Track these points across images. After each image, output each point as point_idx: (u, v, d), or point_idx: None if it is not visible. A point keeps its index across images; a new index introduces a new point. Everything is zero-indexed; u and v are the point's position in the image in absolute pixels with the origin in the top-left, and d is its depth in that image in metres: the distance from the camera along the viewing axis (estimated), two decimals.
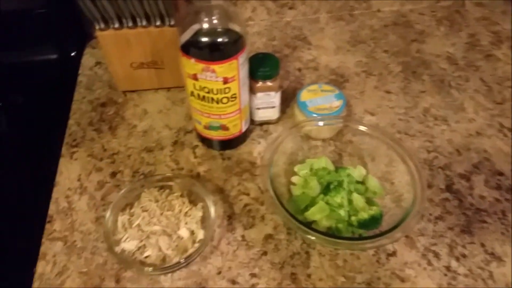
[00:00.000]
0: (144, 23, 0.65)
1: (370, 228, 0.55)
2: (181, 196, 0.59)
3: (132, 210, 0.57)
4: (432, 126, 0.69)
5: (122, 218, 0.56)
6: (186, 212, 0.57)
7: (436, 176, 0.63)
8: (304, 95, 0.66)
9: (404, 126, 0.69)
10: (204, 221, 0.56)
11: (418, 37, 0.86)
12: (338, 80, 0.77)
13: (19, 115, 0.73)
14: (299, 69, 0.80)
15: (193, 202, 0.58)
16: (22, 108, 0.75)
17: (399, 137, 0.68)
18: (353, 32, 0.87)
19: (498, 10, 0.91)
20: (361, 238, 0.54)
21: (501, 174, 0.63)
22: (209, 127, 0.62)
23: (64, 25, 0.81)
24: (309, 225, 0.55)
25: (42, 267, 0.54)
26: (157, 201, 0.58)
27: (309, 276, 0.53)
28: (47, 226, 0.59)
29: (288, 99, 0.73)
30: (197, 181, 0.59)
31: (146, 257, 0.53)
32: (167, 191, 0.59)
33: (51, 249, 0.56)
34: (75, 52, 0.82)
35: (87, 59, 0.82)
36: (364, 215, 0.54)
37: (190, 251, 0.53)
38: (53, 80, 0.80)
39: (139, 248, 0.54)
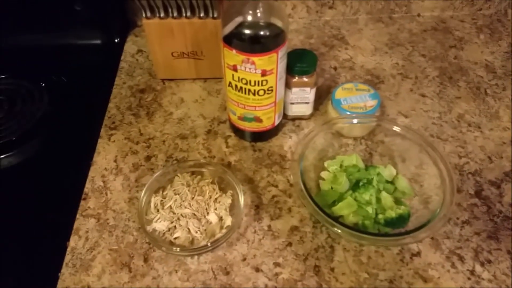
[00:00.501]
0: (189, 13, 0.67)
1: (397, 227, 0.55)
2: (212, 183, 0.61)
3: (165, 193, 0.59)
4: (465, 132, 0.69)
5: (155, 200, 0.58)
6: (216, 199, 0.59)
7: (466, 182, 0.63)
8: (339, 93, 0.67)
9: (437, 130, 0.69)
10: (233, 208, 0.58)
11: (457, 43, 0.85)
12: (374, 81, 0.78)
13: (61, 96, 0.76)
14: (335, 68, 0.80)
15: (223, 190, 0.60)
16: (65, 89, 0.78)
17: (432, 141, 0.67)
18: (391, 34, 0.87)
19: None
20: (385, 234, 0.54)
21: None
22: (243, 118, 0.64)
23: (110, 13, 0.84)
24: (336, 219, 0.56)
25: (74, 242, 0.57)
26: (188, 185, 0.60)
27: (332, 269, 0.54)
28: (82, 203, 0.61)
29: (322, 96, 0.74)
30: (228, 170, 0.61)
31: (176, 238, 0.55)
32: (199, 177, 0.61)
33: (84, 225, 0.59)
34: (119, 39, 0.85)
35: (130, 47, 0.85)
36: (391, 213, 0.55)
37: (218, 235, 0.55)
38: (96, 64, 0.84)
39: (169, 229, 0.56)
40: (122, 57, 0.83)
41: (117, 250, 0.56)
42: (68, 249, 0.57)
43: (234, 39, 0.54)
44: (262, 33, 0.54)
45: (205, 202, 0.58)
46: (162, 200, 0.59)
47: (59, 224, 0.60)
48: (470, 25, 0.89)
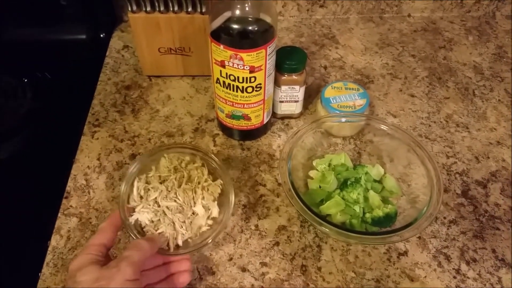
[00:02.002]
0: (176, 8, 0.66)
1: (384, 226, 0.55)
2: (202, 166, 0.57)
3: (150, 175, 0.55)
4: (453, 132, 0.69)
5: (138, 184, 0.54)
6: (204, 186, 0.55)
7: (453, 181, 0.62)
8: (329, 92, 0.67)
9: (425, 130, 0.69)
10: (221, 201, 0.55)
11: (446, 44, 0.85)
12: (363, 81, 0.77)
13: (45, 92, 0.74)
14: (325, 67, 0.80)
15: (212, 176, 0.56)
16: (48, 85, 0.76)
17: (420, 141, 0.67)
18: (382, 34, 0.87)
19: None
20: (372, 233, 0.54)
21: None
22: (231, 116, 0.63)
23: (95, 7, 0.82)
24: (324, 218, 0.55)
25: (56, 241, 0.56)
26: (176, 170, 0.56)
27: (319, 269, 0.53)
28: (64, 201, 0.60)
29: (312, 95, 0.74)
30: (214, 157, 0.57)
31: (160, 233, 0.53)
32: (187, 159, 0.57)
33: (66, 224, 0.57)
34: (104, 34, 0.84)
35: (115, 42, 0.83)
36: (379, 212, 0.54)
37: (203, 229, 0.52)
38: (81, 60, 0.82)
39: (152, 221, 0.52)
40: (107, 53, 0.81)
41: None
42: (49, 248, 0.55)
43: (221, 34, 0.53)
44: (250, 28, 0.53)
45: (192, 190, 0.54)
46: (146, 186, 0.54)
47: (40, 223, 0.59)
48: (459, 26, 0.90)
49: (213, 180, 0.57)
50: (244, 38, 0.53)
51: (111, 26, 0.86)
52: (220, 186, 0.56)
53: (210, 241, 0.51)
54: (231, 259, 0.54)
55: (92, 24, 0.83)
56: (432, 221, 0.53)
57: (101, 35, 0.84)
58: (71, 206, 0.59)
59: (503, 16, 0.92)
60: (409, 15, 0.91)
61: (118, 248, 0.55)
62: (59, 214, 0.58)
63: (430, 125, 0.70)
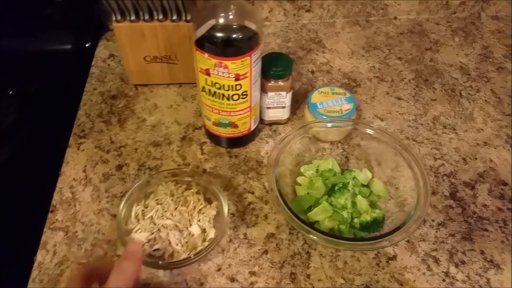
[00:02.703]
0: (161, 17, 0.66)
1: (372, 230, 0.55)
2: (197, 193, 0.58)
3: (147, 202, 0.57)
4: (441, 134, 0.69)
5: (136, 209, 0.56)
6: (200, 210, 0.57)
7: (441, 183, 0.62)
8: (315, 97, 0.66)
9: (412, 132, 0.69)
10: (217, 220, 0.56)
11: (433, 46, 0.85)
12: (350, 84, 0.77)
13: (29, 103, 0.74)
14: (312, 72, 0.80)
15: (208, 200, 0.58)
16: (34, 97, 0.75)
17: (407, 143, 0.67)
18: (368, 38, 0.87)
19: None
20: (360, 239, 0.54)
21: (505, 184, 0.63)
22: (218, 124, 0.63)
23: (80, 16, 0.82)
24: (312, 225, 0.55)
25: (42, 256, 0.55)
26: (172, 195, 0.57)
27: (308, 276, 0.53)
28: (50, 215, 0.59)
29: (299, 100, 0.73)
30: (209, 176, 0.59)
31: (155, 250, 0.53)
32: (184, 186, 0.59)
33: (52, 239, 0.56)
34: (90, 43, 0.83)
35: (101, 51, 0.83)
36: (366, 217, 0.54)
37: (199, 248, 0.53)
38: (66, 70, 0.81)
39: (149, 240, 0.54)
40: (93, 62, 0.80)
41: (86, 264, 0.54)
42: (35, 264, 0.54)
43: (206, 43, 0.53)
44: (234, 36, 0.53)
45: (188, 213, 0.56)
46: (143, 210, 0.56)
47: (25, 238, 0.58)
48: (445, 28, 0.90)
49: (209, 202, 0.58)
50: (228, 46, 0.53)
51: (97, 35, 0.85)
52: (216, 209, 0.57)
53: (203, 254, 0.52)
54: (219, 269, 0.54)
55: (77, 33, 0.82)
56: (420, 224, 0.54)
57: (87, 45, 0.83)
58: (57, 220, 0.58)
59: (489, 17, 0.93)
60: (395, 18, 0.91)
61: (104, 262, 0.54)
62: (45, 229, 0.57)
63: (417, 128, 0.70)
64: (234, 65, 0.54)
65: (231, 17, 0.52)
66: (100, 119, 0.71)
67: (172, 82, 0.76)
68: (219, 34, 0.52)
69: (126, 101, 0.73)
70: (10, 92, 0.75)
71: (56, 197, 0.61)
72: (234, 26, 0.53)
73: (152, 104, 0.73)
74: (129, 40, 0.68)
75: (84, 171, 0.64)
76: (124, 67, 0.75)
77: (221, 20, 0.52)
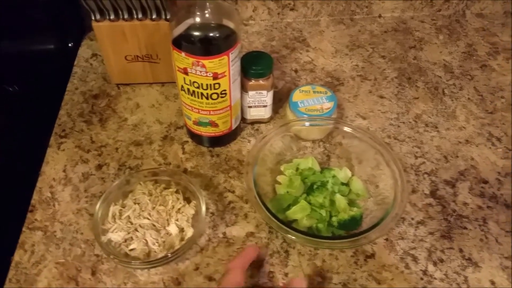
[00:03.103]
0: (140, 15, 0.65)
1: (350, 229, 0.55)
2: (176, 192, 0.59)
3: (125, 202, 0.57)
4: (422, 132, 0.69)
5: (114, 209, 0.56)
6: (179, 209, 0.57)
7: (422, 182, 0.63)
8: (297, 96, 0.66)
9: (394, 131, 0.69)
10: (196, 220, 0.56)
11: (417, 44, 0.85)
12: (334, 83, 0.77)
13: (12, 104, 0.73)
14: (296, 70, 0.79)
15: (187, 200, 0.58)
16: (16, 96, 0.75)
17: (389, 142, 0.67)
18: (352, 36, 0.87)
19: (497, 22, 0.91)
20: (337, 237, 0.54)
21: (485, 182, 0.63)
22: (198, 123, 0.62)
23: (64, 16, 0.81)
24: (290, 224, 0.55)
25: (19, 256, 0.54)
26: (150, 194, 0.57)
27: (286, 275, 0.53)
28: (29, 215, 0.59)
29: (282, 99, 0.73)
30: (187, 176, 0.59)
31: (131, 250, 0.53)
32: (163, 185, 0.59)
33: (30, 238, 0.56)
34: (72, 43, 0.83)
35: (84, 51, 0.82)
36: (344, 215, 0.54)
37: (177, 247, 0.53)
38: (49, 70, 0.81)
39: (125, 240, 0.54)
40: (75, 62, 0.80)
41: (64, 264, 0.54)
42: (12, 264, 0.54)
43: (182, 42, 0.53)
44: (211, 35, 0.53)
45: (166, 212, 0.56)
46: (121, 210, 0.56)
47: (3, 238, 0.58)
48: (430, 25, 0.90)
49: (189, 201, 0.58)
50: (204, 45, 0.53)
51: (80, 35, 0.85)
52: (195, 208, 0.57)
53: (180, 254, 0.52)
54: (197, 268, 0.53)
55: (60, 33, 0.82)
56: (397, 221, 0.54)
57: (70, 44, 0.83)
58: (36, 219, 0.58)
59: (473, 14, 0.93)
60: (379, 16, 0.91)
61: (82, 261, 0.54)
62: (24, 228, 0.57)
63: (399, 126, 0.70)
64: (211, 64, 0.54)
65: (207, 16, 0.52)
66: (81, 118, 0.70)
67: (155, 81, 0.75)
68: (195, 33, 0.52)
69: (108, 100, 0.73)
70: None
71: (35, 196, 0.61)
72: (211, 25, 0.53)
73: (134, 103, 0.73)
74: (110, 39, 0.67)
75: (64, 170, 0.63)
76: (105, 66, 0.75)
77: (198, 19, 0.52)
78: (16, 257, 0.54)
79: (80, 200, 0.60)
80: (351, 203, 0.58)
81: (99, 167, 0.64)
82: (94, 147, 0.66)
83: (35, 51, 0.81)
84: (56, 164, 0.64)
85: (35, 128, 0.71)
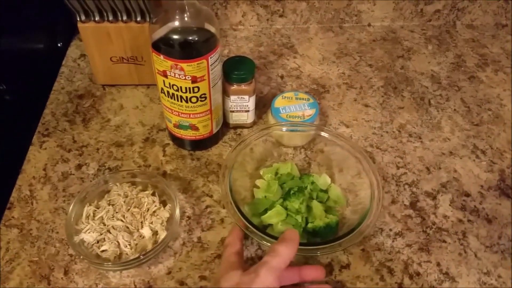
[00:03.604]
0: (125, 18, 0.65)
1: (325, 236, 0.54)
2: (152, 194, 0.58)
3: (99, 202, 0.57)
4: (405, 143, 0.69)
5: (88, 209, 0.56)
6: (154, 212, 0.57)
7: (402, 192, 0.62)
8: (279, 102, 0.66)
9: (377, 140, 0.69)
10: (172, 223, 0.56)
11: (405, 53, 0.85)
12: (319, 90, 0.77)
13: None
14: (282, 76, 0.79)
15: (163, 203, 0.58)
16: (1, 95, 0.75)
17: (371, 151, 0.67)
18: (340, 44, 0.87)
19: (488, 33, 0.91)
20: (308, 243, 0.53)
21: (467, 195, 0.62)
22: (178, 126, 0.62)
23: (54, 16, 0.81)
24: (265, 229, 0.54)
25: None
26: (126, 196, 0.57)
27: None
28: (6, 212, 0.58)
29: (266, 105, 0.73)
30: (165, 180, 0.59)
31: (103, 251, 0.53)
32: (139, 188, 0.59)
33: (6, 236, 0.56)
34: (62, 43, 0.83)
35: (73, 51, 0.82)
36: (319, 222, 0.54)
37: (148, 248, 0.53)
38: (38, 69, 0.81)
39: (98, 241, 0.54)
40: (63, 62, 0.80)
41: (38, 262, 0.54)
42: None
43: (160, 44, 0.53)
44: (190, 38, 0.53)
45: (141, 214, 0.56)
46: (95, 210, 0.56)
47: None
48: (420, 35, 0.90)
49: (164, 204, 0.58)
50: (182, 49, 0.53)
51: (70, 35, 0.85)
52: (170, 211, 0.57)
53: (151, 256, 0.52)
54: (169, 272, 0.53)
55: (50, 33, 0.82)
56: (374, 231, 0.53)
57: (59, 44, 0.83)
58: (13, 217, 0.58)
59: (464, 25, 0.93)
60: (369, 25, 0.91)
61: (56, 260, 0.54)
62: (0, 226, 0.57)
63: (382, 135, 0.70)
64: (190, 67, 0.53)
65: (186, 19, 0.52)
66: (65, 118, 0.70)
67: (140, 83, 0.75)
68: (173, 36, 0.52)
69: (92, 101, 0.73)
70: None
71: (14, 194, 0.61)
72: (188, 29, 0.53)
73: (118, 104, 0.73)
74: (95, 40, 0.68)
75: (44, 169, 0.63)
76: (91, 67, 0.75)
77: (176, 23, 0.52)
78: None
79: (57, 199, 0.60)
80: (329, 210, 0.57)
81: (79, 167, 0.64)
82: (76, 146, 0.66)
83: (24, 50, 0.81)
84: (37, 162, 0.64)
85: (21, 127, 0.71)
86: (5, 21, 0.80)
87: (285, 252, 0.43)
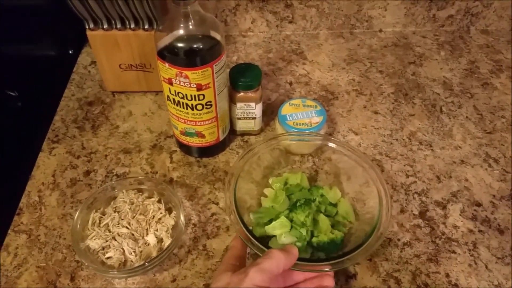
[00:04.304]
0: (133, 25, 0.66)
1: (329, 252, 0.52)
2: (158, 202, 0.59)
3: (105, 209, 0.57)
4: (416, 151, 0.67)
5: (94, 216, 0.56)
6: (160, 219, 0.57)
7: (411, 202, 0.61)
8: (286, 109, 0.66)
9: (386, 148, 0.68)
10: (175, 228, 0.56)
11: (417, 59, 0.84)
12: (328, 97, 0.76)
13: (9, 109, 0.74)
14: (290, 83, 0.79)
15: (169, 210, 0.58)
16: (14, 102, 0.76)
17: (380, 159, 0.66)
18: (351, 50, 0.86)
19: (503, 39, 0.89)
20: (312, 259, 0.52)
21: (479, 205, 0.61)
22: (185, 133, 0.62)
23: (65, 23, 0.82)
24: (268, 239, 0.54)
25: (2, 258, 0.55)
26: (132, 203, 0.58)
27: None
28: (15, 218, 0.59)
29: (274, 112, 0.73)
30: (170, 186, 0.59)
31: (108, 258, 0.53)
32: (145, 195, 0.59)
33: (15, 241, 0.57)
34: (73, 50, 0.84)
35: (83, 58, 0.84)
36: (324, 237, 0.53)
37: (153, 256, 0.53)
38: (48, 76, 0.82)
39: (103, 248, 0.54)
40: (74, 69, 0.81)
41: (45, 268, 0.54)
42: None
43: (165, 52, 0.53)
44: (194, 46, 0.53)
45: (146, 221, 0.56)
46: (100, 217, 0.57)
47: None
48: (432, 41, 0.88)
49: (170, 211, 0.58)
50: (186, 57, 0.53)
51: (80, 42, 0.86)
52: (175, 218, 0.57)
53: (156, 263, 0.51)
54: (174, 280, 0.53)
55: (61, 40, 0.83)
56: (381, 242, 0.52)
57: (70, 51, 0.84)
58: (21, 222, 0.59)
59: (478, 31, 0.91)
60: (380, 30, 0.90)
61: (63, 266, 0.54)
62: (9, 231, 0.58)
63: (391, 143, 0.68)
64: (194, 75, 0.53)
65: (191, 27, 0.52)
66: (74, 124, 0.71)
67: (149, 90, 0.76)
68: (178, 44, 0.53)
69: (102, 107, 0.74)
70: None
71: (23, 200, 0.61)
72: (193, 37, 0.53)
73: (127, 111, 0.73)
74: (104, 48, 0.68)
75: (53, 175, 0.64)
76: (100, 74, 0.76)
77: (181, 31, 0.52)
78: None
79: (65, 206, 0.60)
80: (336, 225, 0.56)
81: (87, 173, 0.64)
82: (84, 153, 0.67)
83: (36, 57, 0.83)
84: (46, 168, 0.65)
85: (31, 133, 0.72)
86: (17, 28, 0.81)
87: (279, 256, 0.43)
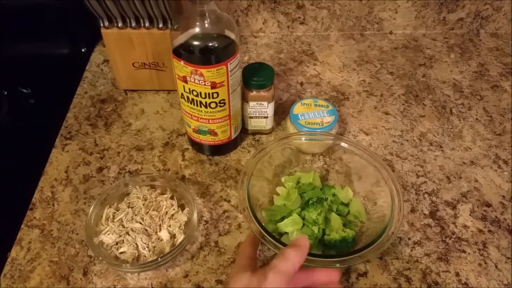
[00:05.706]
0: (148, 24, 0.67)
1: (340, 250, 0.53)
2: (171, 198, 0.59)
3: (119, 205, 0.58)
4: (426, 151, 0.68)
5: (108, 211, 0.57)
6: (172, 215, 0.57)
7: (421, 201, 0.61)
8: (298, 108, 0.66)
9: (397, 148, 0.68)
10: (189, 227, 0.56)
11: (427, 62, 0.84)
12: (339, 97, 0.77)
13: (22, 105, 0.75)
14: (301, 83, 0.80)
15: (181, 206, 0.59)
16: (27, 99, 0.77)
17: (390, 159, 0.66)
18: (361, 51, 0.87)
19: None
20: (325, 255, 0.52)
21: (488, 205, 0.61)
22: (197, 131, 0.63)
23: (78, 22, 0.83)
24: (280, 236, 0.54)
25: (16, 252, 0.56)
26: (145, 199, 0.58)
27: None
28: (28, 213, 0.60)
29: (286, 111, 0.73)
30: (184, 184, 0.59)
31: (121, 253, 0.54)
32: (158, 191, 0.60)
33: (28, 236, 0.57)
34: (86, 48, 0.85)
35: (96, 56, 0.84)
36: (335, 236, 0.53)
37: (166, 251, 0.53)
38: (61, 74, 0.83)
39: (116, 243, 0.55)
40: (87, 67, 0.82)
41: (58, 262, 0.55)
42: (8, 259, 0.55)
43: (181, 50, 0.54)
44: (210, 44, 0.54)
45: (159, 217, 0.57)
46: (114, 212, 0.57)
47: (2, 234, 0.59)
48: (442, 43, 0.89)
49: (183, 208, 0.58)
50: (202, 55, 0.54)
51: (93, 40, 0.87)
52: (188, 215, 0.57)
53: (169, 258, 0.52)
54: (186, 275, 0.53)
55: (74, 38, 0.84)
56: (392, 241, 0.52)
57: (83, 50, 0.85)
58: (34, 217, 0.59)
59: (488, 34, 0.91)
60: (390, 32, 0.91)
61: (75, 261, 0.55)
62: (22, 226, 0.59)
63: (402, 143, 0.69)
64: (209, 73, 0.54)
65: (206, 26, 0.53)
66: (87, 122, 0.72)
67: (161, 89, 0.77)
68: (194, 42, 0.53)
69: (114, 105, 0.75)
70: (5, 93, 0.77)
71: (36, 195, 0.62)
72: (209, 35, 0.54)
73: (140, 109, 0.74)
74: (118, 46, 0.69)
75: (66, 171, 0.65)
76: (113, 72, 0.76)
77: (197, 29, 0.53)
78: (13, 253, 0.56)
79: (78, 201, 0.61)
80: (348, 224, 0.57)
81: (100, 170, 0.65)
82: (97, 150, 0.67)
83: (49, 54, 0.84)
84: (59, 164, 0.66)
85: (44, 130, 0.73)
86: (30, 26, 0.83)
87: (293, 256, 0.43)
